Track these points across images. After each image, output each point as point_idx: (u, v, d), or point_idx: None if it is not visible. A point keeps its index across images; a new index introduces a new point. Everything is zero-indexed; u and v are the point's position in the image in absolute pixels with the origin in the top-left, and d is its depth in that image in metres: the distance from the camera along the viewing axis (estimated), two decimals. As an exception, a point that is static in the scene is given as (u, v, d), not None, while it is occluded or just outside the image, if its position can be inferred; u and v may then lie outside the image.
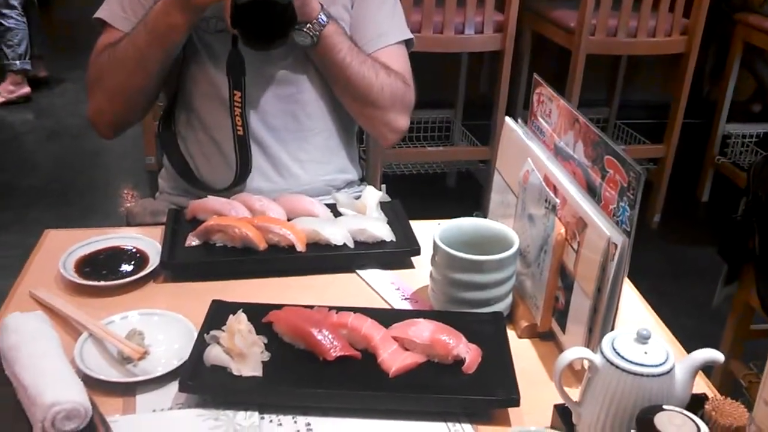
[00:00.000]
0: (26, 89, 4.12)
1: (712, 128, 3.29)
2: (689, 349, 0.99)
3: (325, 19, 1.28)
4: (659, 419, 0.73)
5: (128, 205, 1.55)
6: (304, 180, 1.43)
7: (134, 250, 1.19)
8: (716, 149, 3.30)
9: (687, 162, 3.30)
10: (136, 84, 1.32)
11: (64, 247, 1.17)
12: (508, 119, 1.17)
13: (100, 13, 1.36)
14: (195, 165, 1.43)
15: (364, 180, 1.58)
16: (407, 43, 1.45)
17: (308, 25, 1.27)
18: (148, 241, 1.20)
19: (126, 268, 1.14)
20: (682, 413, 0.74)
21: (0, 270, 2.50)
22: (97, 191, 3.25)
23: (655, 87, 3.78)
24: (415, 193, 2.21)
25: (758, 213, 1.80)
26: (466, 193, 3.29)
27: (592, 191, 0.95)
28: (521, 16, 2.79)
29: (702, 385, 0.94)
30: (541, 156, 1.06)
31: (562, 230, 0.97)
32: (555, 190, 1.00)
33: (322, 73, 1.38)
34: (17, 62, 4.03)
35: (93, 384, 0.89)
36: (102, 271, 1.13)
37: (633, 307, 1.13)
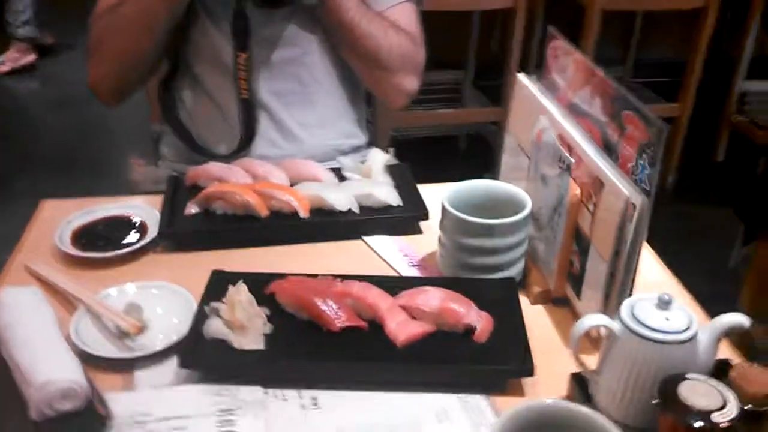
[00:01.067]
0: (31, 57, 4.06)
1: (730, 85, 3.20)
2: (706, 312, 0.96)
3: None
4: (683, 388, 0.69)
5: (132, 173, 1.51)
6: (309, 144, 1.38)
7: (133, 219, 1.15)
8: (733, 107, 3.21)
9: (703, 121, 3.22)
10: (139, 47, 1.27)
11: (60, 218, 1.13)
12: (520, 75, 1.12)
13: None
14: (198, 131, 1.39)
15: (371, 144, 1.54)
16: (417, 1, 1.40)
17: None
18: (148, 210, 1.16)
19: (124, 238, 1.11)
20: (707, 382, 0.70)
21: (6, 240, 2.50)
22: (104, 160, 3.22)
23: (672, 44, 3.67)
24: (425, 157, 2.16)
25: (779, 171, 1.74)
26: (477, 155, 3.23)
27: (609, 149, 0.90)
28: (534, -28, 2.70)
29: (725, 350, 0.90)
30: (555, 113, 1.00)
31: (578, 191, 0.92)
32: (570, 149, 0.94)
33: (328, 35, 1.33)
34: (22, 29, 3.97)
35: (90, 360, 0.86)
36: (99, 242, 1.09)
37: (651, 271, 1.08)
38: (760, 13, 3.04)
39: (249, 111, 1.30)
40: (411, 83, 1.36)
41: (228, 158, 1.31)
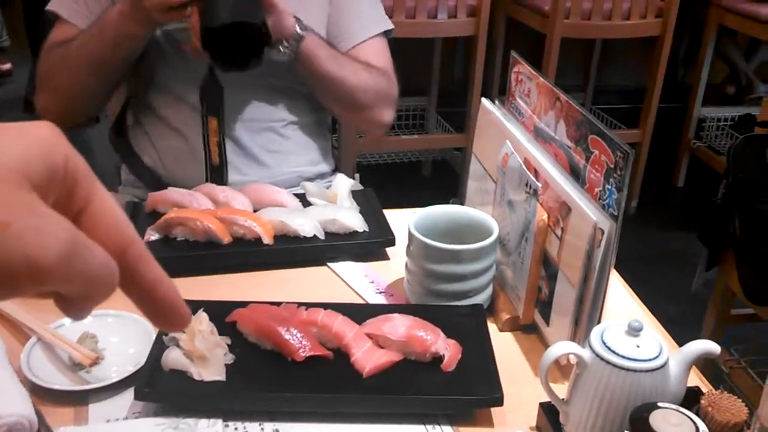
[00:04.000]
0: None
1: (688, 112, 3.26)
2: (670, 337, 0.96)
3: (301, 32, 1.22)
4: (654, 418, 0.68)
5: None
6: (275, 172, 1.37)
7: (90, 246, 1.11)
8: (692, 133, 3.27)
9: (662, 147, 3.27)
10: (84, 88, 1.26)
11: (13, 245, 1.09)
12: (484, 100, 1.12)
13: (51, 5, 1.29)
14: (164, 165, 1.36)
15: (336, 171, 1.52)
16: (387, 32, 1.40)
17: (285, 42, 1.21)
18: (105, 237, 1.12)
19: (80, 266, 1.06)
20: (679, 410, 0.69)
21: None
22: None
23: (630, 71, 3.74)
24: (390, 183, 2.16)
25: (738, 196, 1.76)
26: (441, 181, 3.24)
27: (575, 174, 0.89)
28: (495, 0, 2.73)
29: (694, 378, 0.89)
30: (520, 138, 1.00)
31: (545, 216, 0.91)
32: (536, 173, 0.94)
33: (303, 83, 1.33)
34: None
35: (41, 393, 0.82)
36: (54, 269, 1.05)
37: (619, 297, 1.08)
38: (714, 42, 3.11)
39: (219, 175, 1.29)
40: (387, 116, 1.38)
41: None
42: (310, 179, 1.41)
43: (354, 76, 1.29)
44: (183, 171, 1.33)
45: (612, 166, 0.81)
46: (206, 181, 1.29)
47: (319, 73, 1.26)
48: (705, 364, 1.94)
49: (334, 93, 1.31)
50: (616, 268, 1.08)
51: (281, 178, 1.36)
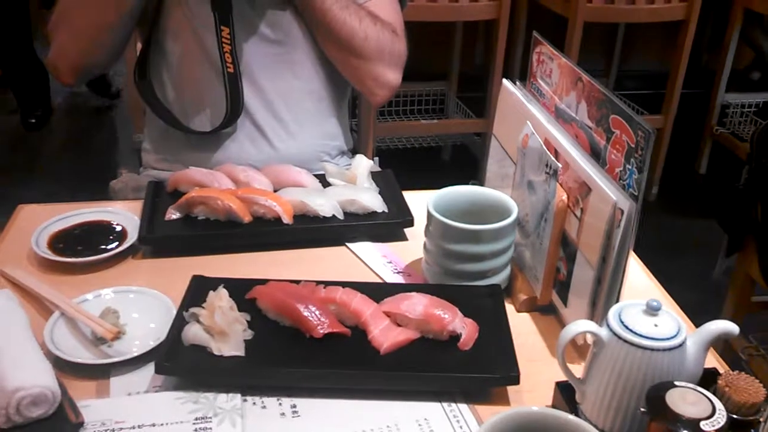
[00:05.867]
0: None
1: (711, 98, 3.22)
2: (690, 321, 0.95)
3: None
4: (671, 396, 0.68)
5: (111, 182, 1.48)
6: (292, 146, 1.36)
7: (112, 224, 1.13)
8: (715, 119, 3.24)
9: (685, 133, 3.23)
10: (106, 21, 1.23)
11: (38, 223, 1.11)
12: (505, 81, 1.11)
13: None
14: (183, 107, 1.35)
15: (355, 152, 1.52)
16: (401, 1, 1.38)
17: None
18: (127, 216, 1.14)
19: (103, 243, 1.08)
20: (696, 390, 0.69)
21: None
22: (86, 169, 3.18)
23: (654, 57, 3.71)
24: (409, 167, 2.15)
25: (761, 182, 1.74)
26: (461, 166, 3.23)
27: (596, 154, 0.89)
28: (517, -17, 2.72)
29: (711, 360, 0.89)
30: (541, 119, 0.99)
31: (564, 196, 0.91)
32: (556, 154, 0.94)
33: (303, 18, 1.30)
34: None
35: (64, 366, 0.84)
36: (77, 246, 1.07)
37: (637, 279, 1.07)
38: (740, 26, 3.06)
39: (235, 84, 1.26)
40: (391, 75, 1.32)
41: (212, 133, 1.30)
42: (330, 154, 1.41)
43: (355, 20, 1.25)
44: (199, 113, 1.32)
45: (633, 146, 0.81)
46: (225, 92, 1.27)
47: (317, 5, 1.23)
48: (723, 351, 1.93)
49: (331, 33, 1.26)
50: (635, 253, 1.07)
51: (299, 152, 1.35)
